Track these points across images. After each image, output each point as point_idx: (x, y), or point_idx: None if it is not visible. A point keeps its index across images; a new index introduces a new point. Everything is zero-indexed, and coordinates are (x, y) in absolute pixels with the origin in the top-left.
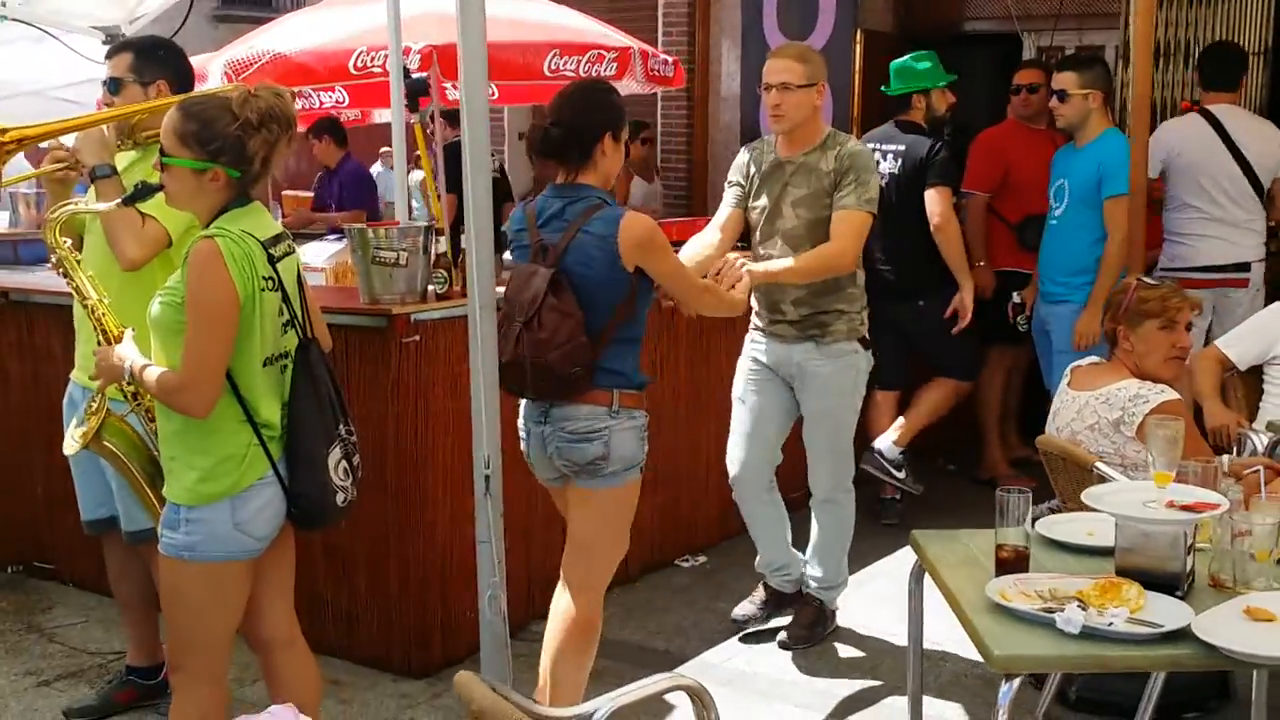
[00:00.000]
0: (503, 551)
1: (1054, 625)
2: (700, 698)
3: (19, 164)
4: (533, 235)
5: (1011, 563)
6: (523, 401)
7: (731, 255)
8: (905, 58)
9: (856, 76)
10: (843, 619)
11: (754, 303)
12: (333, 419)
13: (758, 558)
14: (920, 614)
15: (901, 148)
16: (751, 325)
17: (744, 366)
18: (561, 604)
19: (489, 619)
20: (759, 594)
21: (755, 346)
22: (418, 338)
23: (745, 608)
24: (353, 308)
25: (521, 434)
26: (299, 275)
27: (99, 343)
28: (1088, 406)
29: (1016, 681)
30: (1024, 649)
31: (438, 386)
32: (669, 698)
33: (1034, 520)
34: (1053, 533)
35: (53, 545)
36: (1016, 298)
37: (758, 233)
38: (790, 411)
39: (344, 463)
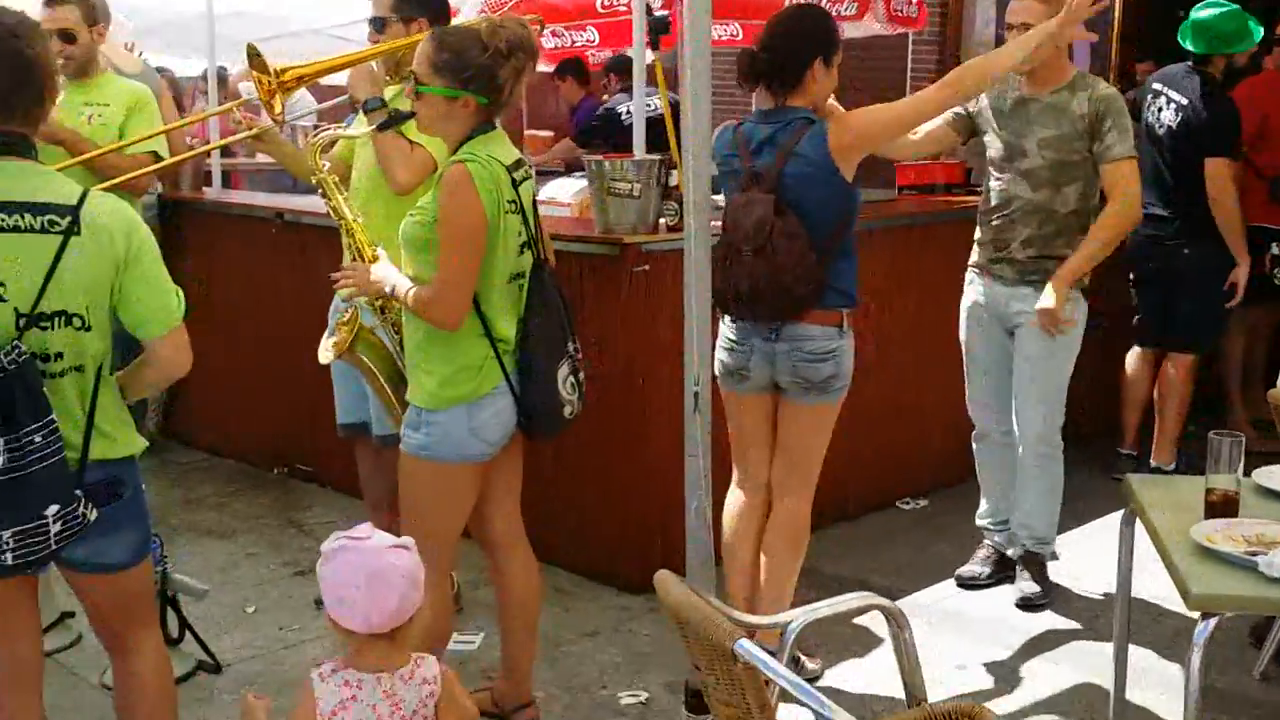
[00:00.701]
0: (709, 466)
1: (1257, 569)
2: (895, 617)
3: (302, 98)
4: (744, 161)
5: (1220, 507)
6: (735, 322)
7: None
8: (1211, 13)
9: (1115, 21)
10: (1066, 570)
11: (979, 236)
12: (562, 336)
13: (980, 508)
14: (1129, 559)
15: (1186, 102)
16: (970, 264)
17: (965, 307)
18: (777, 510)
19: (695, 530)
20: (982, 551)
21: (973, 287)
22: (647, 267)
23: (971, 568)
24: (587, 236)
25: (735, 348)
26: (534, 199)
27: (353, 260)
28: None
29: (1213, 622)
30: (1223, 589)
31: (664, 314)
32: (873, 628)
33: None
34: (1270, 482)
35: (313, 450)
36: (1276, 249)
37: (993, 170)
38: (1012, 355)
39: (571, 378)
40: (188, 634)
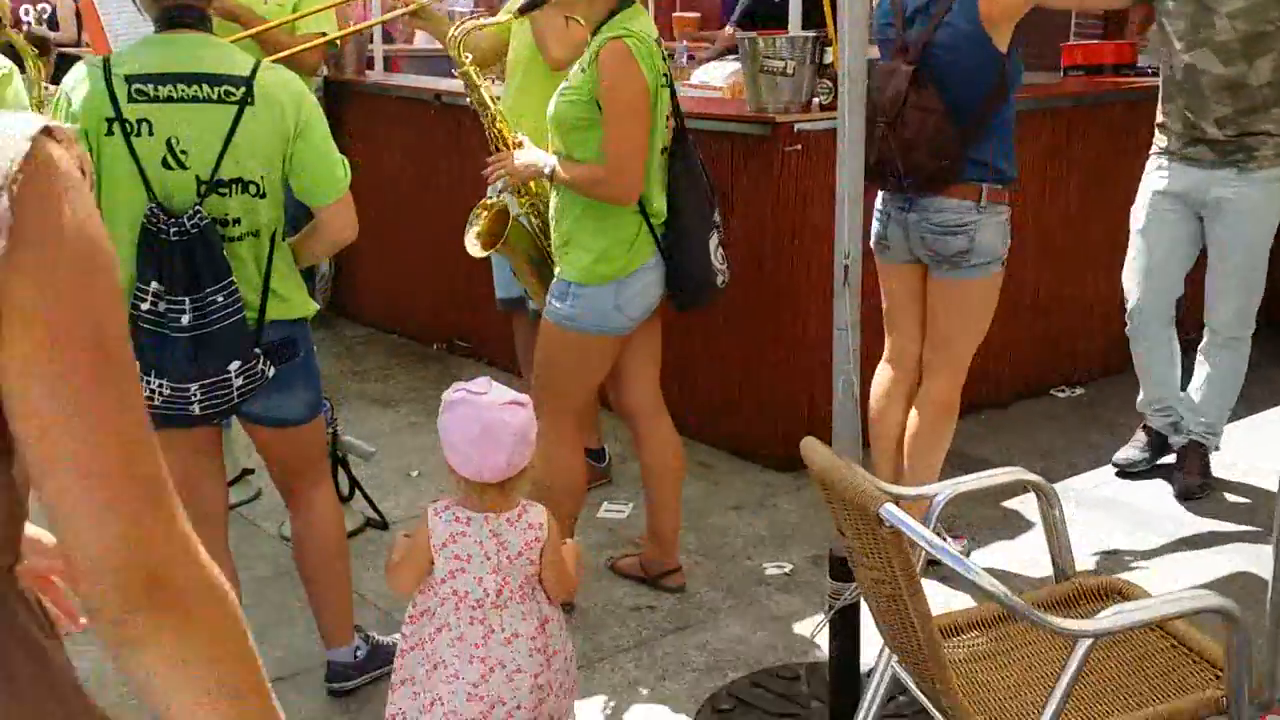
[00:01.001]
0: (859, 340)
1: None
2: (1045, 494)
3: None
4: (898, 28)
5: None
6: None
7: None
8: None
9: None
10: (1229, 460)
11: (1163, 120)
12: (709, 208)
13: (1140, 395)
14: None
15: None
16: (1155, 150)
17: (1146, 195)
18: (924, 388)
19: (842, 401)
20: (1141, 437)
21: (1161, 174)
22: (799, 147)
23: (1128, 452)
24: (739, 115)
25: (879, 217)
26: (669, 72)
27: (495, 149)
28: None
29: None
30: None
31: (816, 194)
32: (1022, 511)
33: None
34: None
35: (472, 326)
36: None
37: (1178, 42)
38: (1196, 243)
39: (720, 249)
40: (357, 493)
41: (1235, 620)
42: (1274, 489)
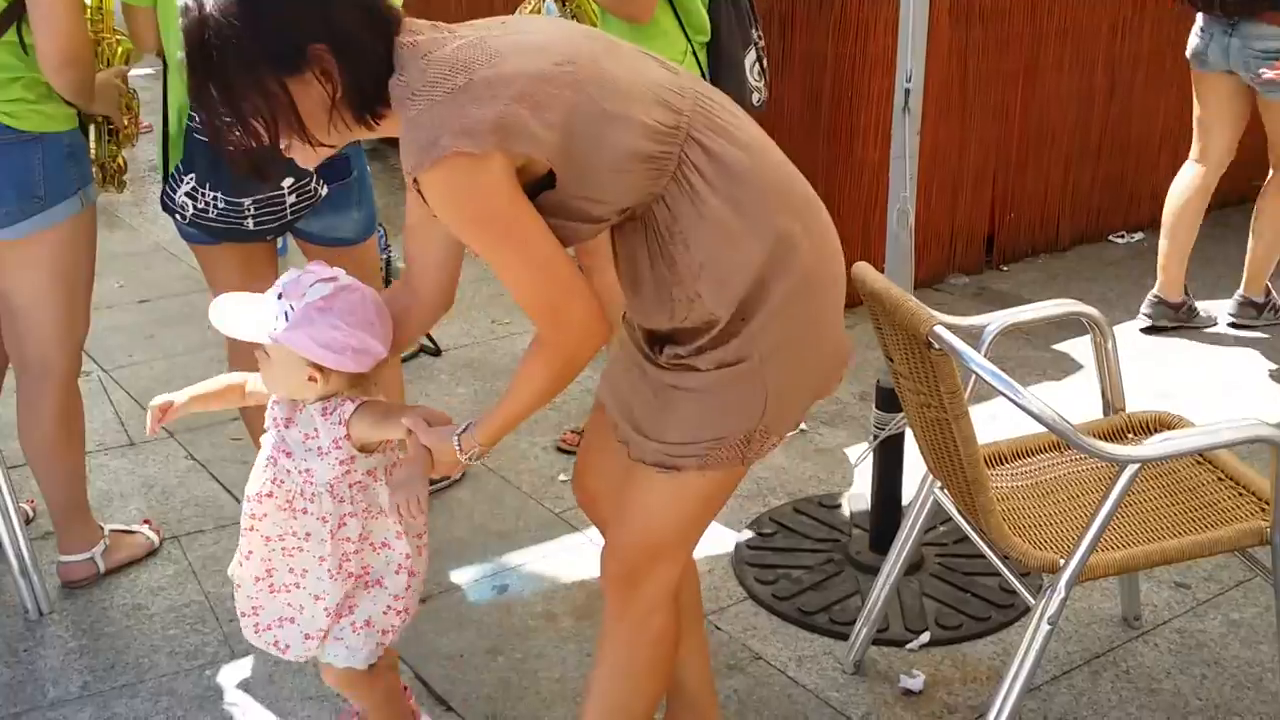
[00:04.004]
0: (915, 169)
1: None
2: (1098, 326)
3: None
4: None
5: None
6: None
7: None
8: None
9: None
10: None
11: None
12: (749, 22)
13: None
14: None
15: None
16: None
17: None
18: (1273, 184)
19: (895, 232)
20: None
21: None
22: None
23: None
24: None
25: (1199, 34)
26: None
27: None
28: None
29: None
30: None
31: (880, 25)
32: (1073, 354)
33: None
34: None
35: None
36: None
37: None
38: None
39: (758, 65)
40: None
41: None
42: None
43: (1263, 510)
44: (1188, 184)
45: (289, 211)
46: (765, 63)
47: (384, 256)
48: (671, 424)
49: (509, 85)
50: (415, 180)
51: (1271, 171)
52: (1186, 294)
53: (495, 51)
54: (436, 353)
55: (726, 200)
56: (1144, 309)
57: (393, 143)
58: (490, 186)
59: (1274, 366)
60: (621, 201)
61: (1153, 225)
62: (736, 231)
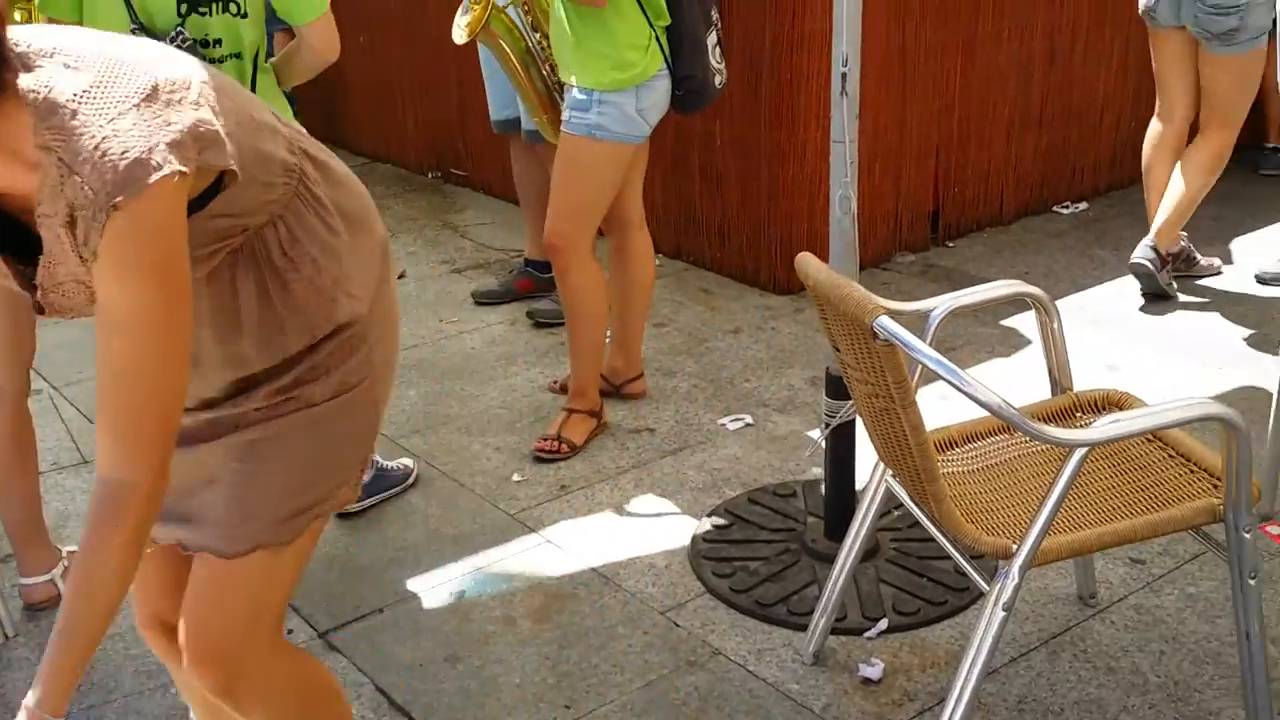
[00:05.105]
0: (855, 153)
1: None
2: (1043, 306)
3: None
4: None
5: None
6: None
7: None
8: None
9: None
10: (1238, 275)
11: None
12: (709, 2)
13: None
14: None
15: None
16: None
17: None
18: (1195, 139)
19: (838, 218)
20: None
21: None
22: None
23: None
24: None
25: None
26: None
27: None
28: None
29: None
30: None
31: (815, 3)
32: (1021, 329)
33: None
34: None
35: (466, 153)
36: None
37: None
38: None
39: (718, 47)
40: None
41: (1237, 429)
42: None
43: (1215, 487)
44: (1154, 141)
45: None
46: (724, 43)
47: None
48: (274, 487)
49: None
50: (108, 214)
51: (1201, 128)
52: (1185, 243)
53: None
54: None
55: (337, 207)
56: (1137, 259)
57: (336, 142)
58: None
59: (1222, 331)
60: (255, 219)
61: (1096, 195)
62: (358, 236)
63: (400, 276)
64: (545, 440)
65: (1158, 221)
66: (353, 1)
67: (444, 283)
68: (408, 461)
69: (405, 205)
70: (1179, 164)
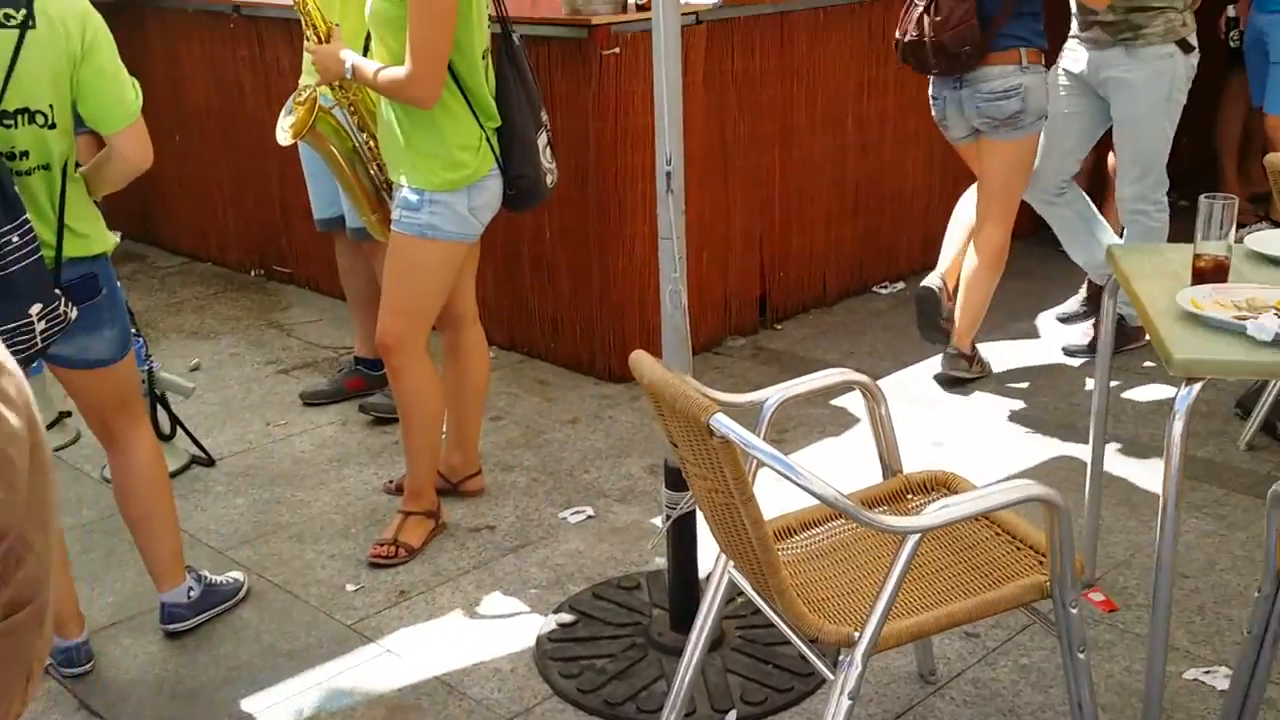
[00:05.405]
0: (684, 248)
1: (1245, 333)
2: (871, 392)
3: None
4: None
5: (1209, 273)
6: (930, 75)
7: None
8: None
9: None
10: (1051, 348)
11: (1073, 6)
12: (537, 105)
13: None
14: (1110, 334)
15: None
16: (1070, 34)
17: (1054, 76)
18: (976, 235)
19: (670, 313)
20: (1082, 292)
21: (1068, 55)
22: (618, 50)
23: (1070, 305)
24: (553, 19)
25: (934, 100)
26: None
27: (310, 41)
28: None
29: (1196, 387)
30: (1208, 354)
31: (638, 100)
32: (851, 409)
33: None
34: (1262, 247)
35: (290, 251)
36: (1231, 11)
37: None
38: (1097, 120)
39: (549, 147)
40: (179, 430)
41: (1057, 508)
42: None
43: (1040, 564)
44: (961, 221)
45: (40, 339)
46: (553, 143)
47: (145, 369)
48: None
49: None
50: None
51: (978, 223)
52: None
53: None
54: (210, 463)
55: None
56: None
57: (155, 242)
58: None
59: (1038, 402)
60: None
61: (912, 274)
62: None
63: (193, 369)
64: (381, 545)
65: (957, 323)
66: (167, 102)
67: (270, 384)
68: (237, 574)
69: (228, 304)
70: (964, 266)
